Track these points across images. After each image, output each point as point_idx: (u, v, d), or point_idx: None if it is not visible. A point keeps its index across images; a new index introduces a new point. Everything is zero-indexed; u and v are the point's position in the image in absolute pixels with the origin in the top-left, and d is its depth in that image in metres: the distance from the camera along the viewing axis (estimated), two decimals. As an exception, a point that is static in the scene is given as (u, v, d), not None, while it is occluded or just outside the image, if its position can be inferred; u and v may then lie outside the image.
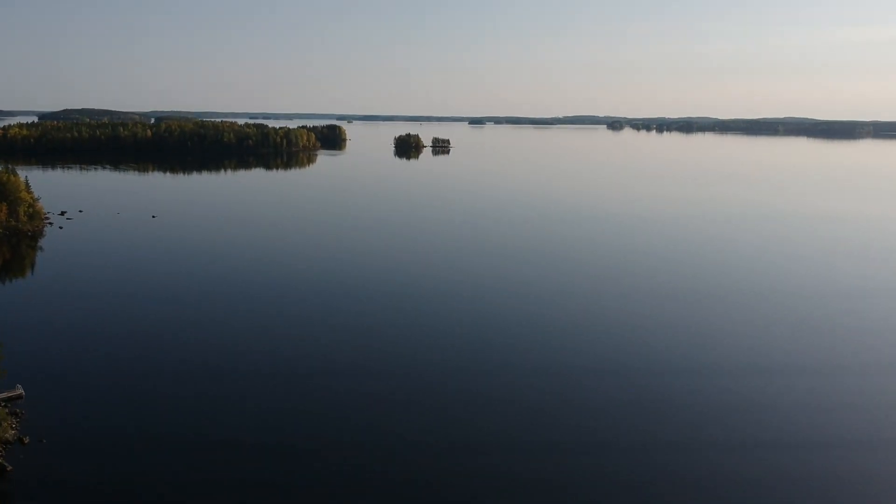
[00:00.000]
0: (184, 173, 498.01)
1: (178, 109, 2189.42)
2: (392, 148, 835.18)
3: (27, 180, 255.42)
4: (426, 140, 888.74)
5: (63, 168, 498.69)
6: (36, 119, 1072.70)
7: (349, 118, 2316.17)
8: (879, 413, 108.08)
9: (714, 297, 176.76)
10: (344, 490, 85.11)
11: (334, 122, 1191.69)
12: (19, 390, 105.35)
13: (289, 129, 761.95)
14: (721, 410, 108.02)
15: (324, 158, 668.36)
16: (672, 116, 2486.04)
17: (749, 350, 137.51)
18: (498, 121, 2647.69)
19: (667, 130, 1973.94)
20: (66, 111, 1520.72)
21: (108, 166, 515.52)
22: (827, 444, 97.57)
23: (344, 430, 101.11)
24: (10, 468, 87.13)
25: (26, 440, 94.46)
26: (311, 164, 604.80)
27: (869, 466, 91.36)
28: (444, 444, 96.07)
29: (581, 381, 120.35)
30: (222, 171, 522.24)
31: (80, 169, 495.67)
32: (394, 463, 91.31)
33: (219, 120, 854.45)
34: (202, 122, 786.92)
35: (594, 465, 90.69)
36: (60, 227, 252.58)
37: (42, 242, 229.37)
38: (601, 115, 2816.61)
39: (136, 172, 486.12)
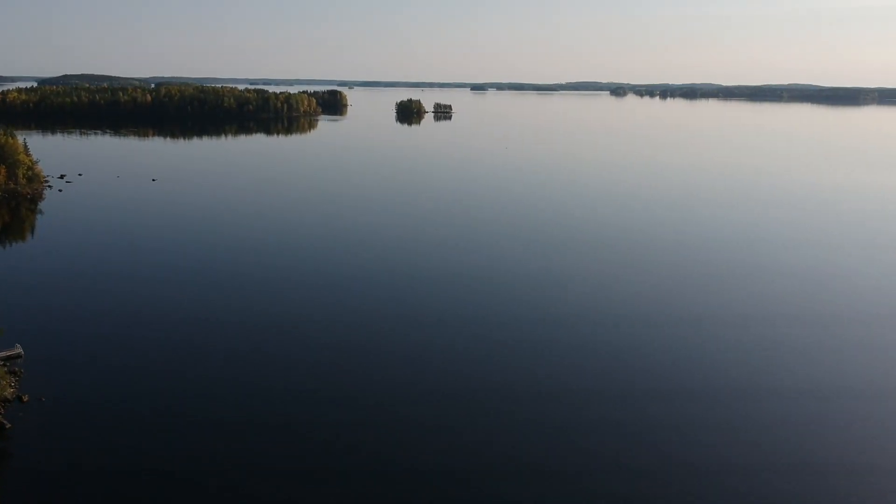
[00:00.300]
0: (184, 138, 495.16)
1: (179, 75, 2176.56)
2: (394, 113, 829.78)
3: (25, 143, 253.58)
4: (428, 106, 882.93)
5: (62, 133, 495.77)
6: (35, 84, 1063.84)
7: (350, 84, 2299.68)
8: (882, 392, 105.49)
9: (716, 269, 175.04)
10: (343, 462, 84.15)
11: (335, 87, 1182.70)
12: (18, 349, 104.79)
13: (289, 94, 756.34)
14: (723, 389, 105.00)
15: (325, 124, 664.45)
16: (675, 83, 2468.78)
17: (751, 327, 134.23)
18: (500, 87, 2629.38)
19: (670, 97, 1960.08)
20: (65, 76, 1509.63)
21: (107, 131, 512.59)
22: (830, 424, 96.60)
23: (344, 400, 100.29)
24: (9, 426, 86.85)
25: (25, 398, 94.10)
26: (312, 130, 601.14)
27: (872, 447, 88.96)
28: (444, 421, 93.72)
29: (580, 352, 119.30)
30: (223, 136, 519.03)
31: (80, 134, 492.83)
32: (394, 440, 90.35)
33: (219, 86, 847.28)
34: (202, 87, 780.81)
35: (592, 443, 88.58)
36: (60, 190, 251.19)
37: (42, 205, 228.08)
38: (604, 81, 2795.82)
39: (136, 137, 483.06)
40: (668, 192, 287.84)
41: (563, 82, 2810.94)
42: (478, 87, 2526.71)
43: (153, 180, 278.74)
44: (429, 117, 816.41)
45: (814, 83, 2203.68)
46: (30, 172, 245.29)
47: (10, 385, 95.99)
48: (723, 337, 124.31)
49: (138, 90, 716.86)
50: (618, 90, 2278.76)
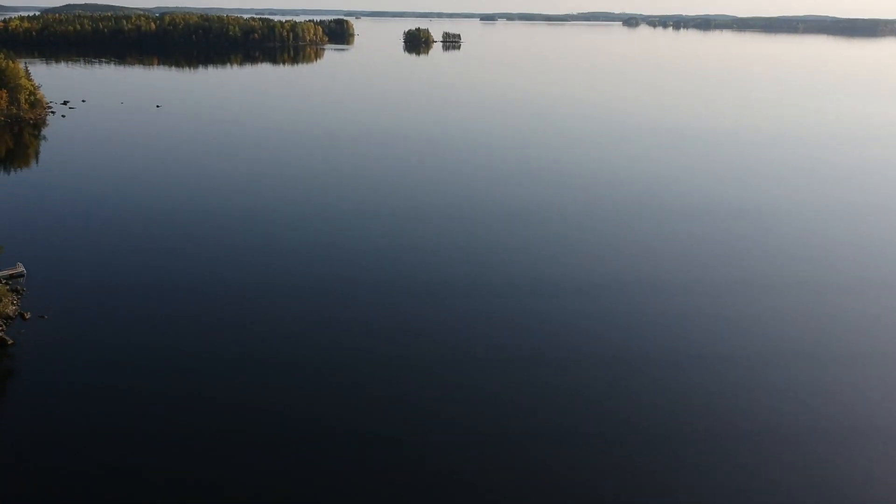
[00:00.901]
0: (189, 67, 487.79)
1: (183, 5, 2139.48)
2: (401, 43, 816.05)
3: (27, 68, 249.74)
4: (436, 35, 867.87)
5: (66, 62, 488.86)
6: (38, 13, 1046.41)
7: (357, 14, 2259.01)
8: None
9: (722, 220, 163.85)
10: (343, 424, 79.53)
11: (342, 17, 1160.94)
12: (20, 268, 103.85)
13: (295, 22, 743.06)
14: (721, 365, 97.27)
15: (331, 53, 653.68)
16: (689, 13, 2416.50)
17: (765, 290, 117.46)
18: (510, 17, 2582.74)
19: (683, 28, 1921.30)
20: (68, 6, 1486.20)
21: (112, 60, 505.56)
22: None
23: (343, 346, 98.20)
24: (11, 342, 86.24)
25: (27, 316, 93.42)
26: (318, 59, 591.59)
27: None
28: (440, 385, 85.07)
29: (581, 309, 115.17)
30: (228, 65, 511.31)
31: (84, 62, 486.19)
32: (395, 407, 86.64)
33: (224, 14, 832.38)
34: (207, 15, 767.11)
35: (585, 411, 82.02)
36: (63, 116, 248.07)
37: (45, 131, 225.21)
38: (616, 11, 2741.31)
39: (141, 66, 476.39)
40: (674, 135, 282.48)
41: (575, 13, 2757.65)
42: (487, 18, 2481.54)
43: (157, 107, 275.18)
44: (437, 47, 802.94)
45: (830, 14, 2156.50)
46: (32, 98, 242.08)
47: (13, 303, 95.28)
48: (734, 303, 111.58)
49: (142, 18, 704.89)
50: (630, 21, 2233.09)
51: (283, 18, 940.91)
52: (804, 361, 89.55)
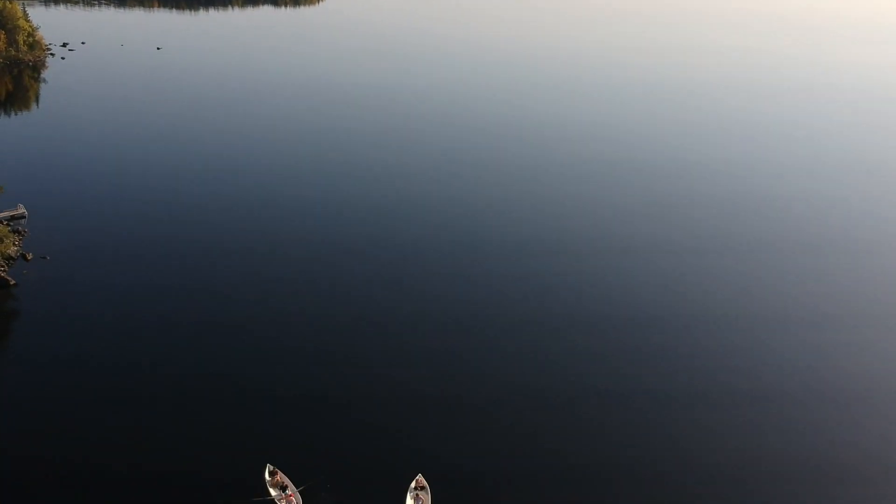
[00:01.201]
0: (189, 9, 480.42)
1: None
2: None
3: (25, 9, 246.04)
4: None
5: (65, 3, 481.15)
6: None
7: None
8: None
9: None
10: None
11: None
12: (21, 210, 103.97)
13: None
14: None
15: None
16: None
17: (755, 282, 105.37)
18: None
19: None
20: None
21: (111, 2, 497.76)
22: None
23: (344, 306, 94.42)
24: (13, 282, 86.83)
25: (29, 256, 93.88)
26: (320, 1, 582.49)
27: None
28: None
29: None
30: (229, 6, 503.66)
31: (83, 4, 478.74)
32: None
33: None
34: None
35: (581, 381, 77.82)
36: (63, 58, 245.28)
37: (45, 74, 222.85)
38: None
39: (141, 8, 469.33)
40: (689, 90, 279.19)
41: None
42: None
43: (158, 49, 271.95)
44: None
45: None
46: (31, 39, 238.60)
47: (14, 243, 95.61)
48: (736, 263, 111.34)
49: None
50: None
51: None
52: (803, 322, 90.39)
